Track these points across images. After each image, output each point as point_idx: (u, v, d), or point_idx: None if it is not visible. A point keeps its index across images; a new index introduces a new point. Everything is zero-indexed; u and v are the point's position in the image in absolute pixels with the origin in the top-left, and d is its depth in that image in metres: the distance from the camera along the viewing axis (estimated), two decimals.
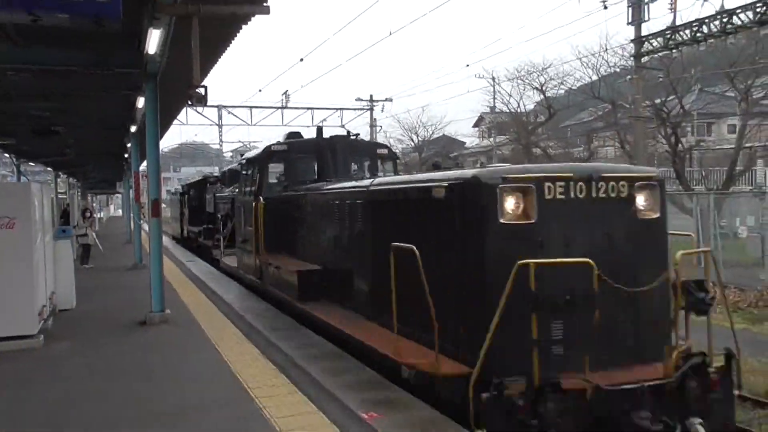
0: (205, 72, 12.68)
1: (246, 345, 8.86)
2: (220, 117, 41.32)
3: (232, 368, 7.64)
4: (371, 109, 42.70)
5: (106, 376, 7.72)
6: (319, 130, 12.61)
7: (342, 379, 6.96)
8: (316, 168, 11.97)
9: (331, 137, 12.33)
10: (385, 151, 12.76)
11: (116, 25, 6.98)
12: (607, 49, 33.24)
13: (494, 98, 42.39)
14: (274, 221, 11.66)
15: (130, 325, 10.56)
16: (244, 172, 13.79)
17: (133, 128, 17.97)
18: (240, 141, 60.64)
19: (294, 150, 12.47)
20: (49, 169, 34.42)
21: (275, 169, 12.68)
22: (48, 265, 10.81)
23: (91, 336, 9.99)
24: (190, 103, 9.54)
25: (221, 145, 49.72)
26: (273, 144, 12.73)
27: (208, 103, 10.36)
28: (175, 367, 8.00)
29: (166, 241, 28.30)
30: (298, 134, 13.77)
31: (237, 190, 15.67)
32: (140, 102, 13.11)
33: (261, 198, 11.95)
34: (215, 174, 27.97)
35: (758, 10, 18.42)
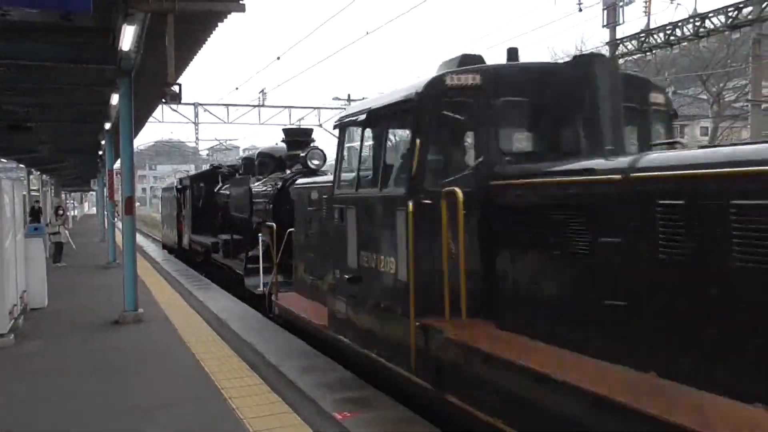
0: (180, 69, 12.60)
1: (220, 344, 8.82)
2: (196, 115, 41.05)
3: (205, 367, 7.60)
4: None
5: (77, 375, 7.64)
6: (513, 52, 6.62)
7: (316, 378, 6.96)
8: (554, 127, 5.77)
9: (586, 58, 5.71)
10: (661, 98, 6.34)
11: (86, 19, 6.90)
12: (582, 51, 33.53)
13: None
14: (487, 244, 5.58)
15: (103, 324, 10.46)
16: (350, 145, 7.68)
17: (107, 125, 17.79)
18: (216, 139, 60.38)
19: (499, 87, 5.88)
20: (21, 166, 33.90)
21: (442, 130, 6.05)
22: (19, 264, 10.67)
23: (62, 335, 9.88)
24: (164, 100, 9.47)
25: (197, 143, 49.28)
26: (445, 74, 5.89)
27: (184, 101, 10.30)
28: (147, 366, 7.94)
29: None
30: (478, 58, 6.46)
31: (294, 181, 11.32)
32: (114, 99, 12.96)
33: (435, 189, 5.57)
34: (229, 164, 20.91)
35: (730, 14, 18.71)
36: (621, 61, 25.25)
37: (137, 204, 15.32)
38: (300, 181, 10.74)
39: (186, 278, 16.28)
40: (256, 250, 11.52)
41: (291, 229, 10.02)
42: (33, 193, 33.95)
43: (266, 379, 7.05)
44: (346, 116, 7.48)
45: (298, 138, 13.84)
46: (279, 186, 12.33)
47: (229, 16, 9.82)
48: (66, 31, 9.64)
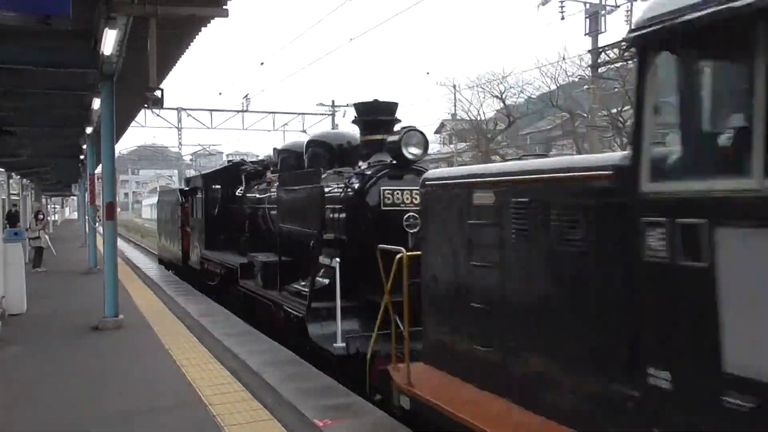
0: (163, 74, 12.56)
1: (200, 350, 8.76)
2: (179, 119, 40.86)
3: (186, 374, 7.54)
4: (333, 114, 42.61)
5: (57, 381, 7.56)
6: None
7: (297, 385, 6.93)
8: None
9: None
10: None
11: (66, 23, 6.86)
12: (565, 59, 33.83)
13: (455, 105, 42.77)
14: None
15: (83, 330, 10.35)
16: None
17: (89, 129, 17.65)
18: (200, 144, 60.06)
19: None
20: (1, 169, 33.55)
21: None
22: None
23: (41, 341, 9.78)
24: (147, 105, 9.43)
25: (180, 148, 49.08)
26: None
27: (168, 105, 10.24)
28: (127, 372, 7.87)
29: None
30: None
31: (377, 178, 8.54)
32: (96, 103, 12.88)
33: None
34: (249, 159, 17.22)
35: None
36: (603, 69, 25.50)
37: (118, 209, 15.12)
38: (438, 173, 6.28)
39: (167, 284, 16.18)
40: (322, 278, 8.34)
41: (412, 253, 5.91)
42: (13, 197, 33.61)
43: (248, 385, 7.01)
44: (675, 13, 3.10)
45: (380, 116, 9.29)
46: (356, 186, 8.66)
47: (212, 21, 9.83)
48: (47, 34, 9.57)
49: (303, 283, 9.11)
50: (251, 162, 15.83)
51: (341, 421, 5.73)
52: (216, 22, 9.94)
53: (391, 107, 9.43)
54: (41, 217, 22.11)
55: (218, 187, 15.19)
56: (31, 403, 6.77)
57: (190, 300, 13.31)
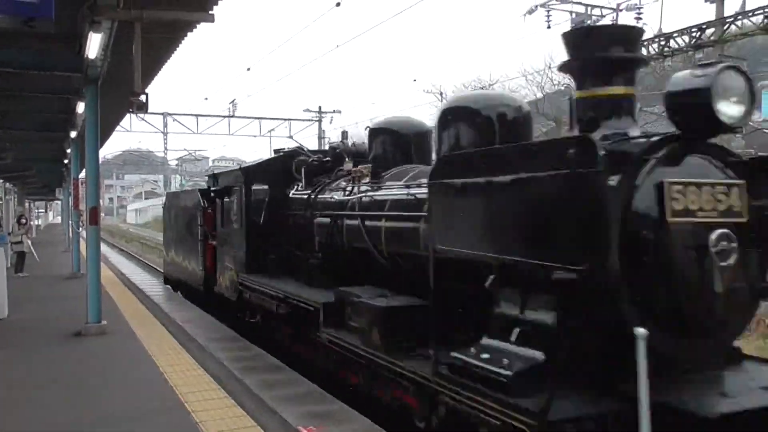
0: (148, 78, 12.53)
1: (184, 356, 8.70)
2: (165, 124, 40.68)
3: (169, 380, 7.48)
4: (320, 121, 42.60)
5: (36, 387, 7.47)
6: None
7: (281, 391, 6.90)
8: None
9: None
10: None
11: (50, 26, 6.82)
12: (551, 68, 34.04)
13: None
14: None
15: (65, 336, 10.25)
16: None
17: (73, 134, 17.56)
18: (185, 149, 59.86)
19: None
20: None
21: None
22: None
23: (22, 346, 9.67)
24: (131, 110, 9.39)
25: (166, 153, 48.84)
26: None
27: (153, 110, 10.18)
28: (109, 379, 7.80)
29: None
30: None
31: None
32: (80, 107, 12.81)
33: None
34: (305, 148, 12.03)
35: (693, 34, 19.15)
36: None
37: (103, 215, 14.87)
38: None
39: (151, 288, 16.07)
40: (518, 344, 4.57)
41: None
42: None
43: (231, 392, 6.97)
44: None
45: (617, 52, 4.98)
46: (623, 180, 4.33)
47: (198, 26, 9.83)
48: (32, 37, 9.52)
49: (480, 353, 4.69)
50: (313, 151, 11.54)
51: (325, 428, 5.71)
52: (202, 27, 9.95)
53: (632, 34, 5.21)
54: (24, 221, 21.91)
55: (265, 187, 10.88)
56: (15, 409, 6.68)
57: (175, 306, 13.23)
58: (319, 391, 6.88)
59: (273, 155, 12.11)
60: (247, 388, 7.05)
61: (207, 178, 15.27)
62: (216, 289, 12.19)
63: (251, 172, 11.06)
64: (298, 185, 10.46)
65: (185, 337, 9.98)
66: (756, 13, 17.69)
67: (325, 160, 10.48)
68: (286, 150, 11.77)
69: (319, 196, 9.47)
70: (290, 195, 10.54)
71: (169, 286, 16.89)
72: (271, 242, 10.53)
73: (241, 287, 10.57)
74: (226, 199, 11.76)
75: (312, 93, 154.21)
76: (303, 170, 10.39)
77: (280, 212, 10.53)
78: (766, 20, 17.24)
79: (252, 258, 10.55)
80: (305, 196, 9.85)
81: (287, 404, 6.42)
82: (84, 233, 16.81)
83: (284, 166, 10.84)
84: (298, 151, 11.29)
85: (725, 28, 18.44)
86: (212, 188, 12.73)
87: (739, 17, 18.23)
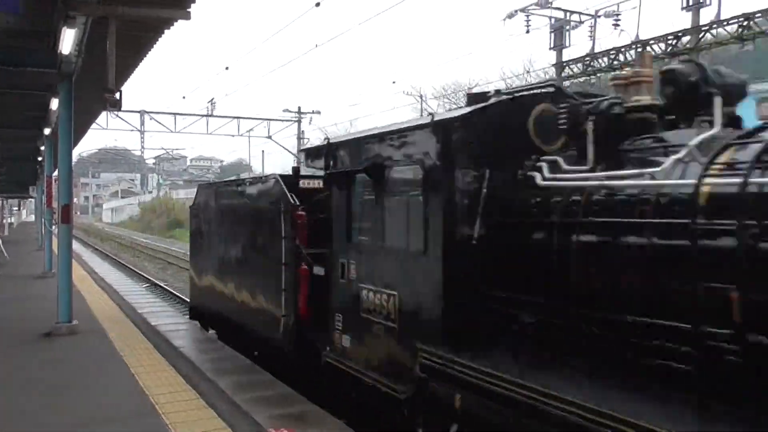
0: (125, 76, 12.39)
1: (155, 356, 8.60)
2: (142, 123, 40.22)
3: (140, 381, 7.39)
4: (299, 121, 42.45)
5: (8, 389, 7.32)
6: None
7: (253, 393, 6.84)
8: None
9: None
10: None
11: (21, 21, 6.70)
12: (530, 72, 34.24)
13: (421, 115, 43.01)
14: None
15: (35, 336, 10.08)
16: None
17: (47, 131, 17.28)
18: (163, 148, 59.38)
19: None
20: None
21: None
22: None
23: None
24: (106, 107, 9.27)
25: (143, 152, 48.40)
26: None
27: (130, 108, 10.02)
28: (79, 380, 7.68)
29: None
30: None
31: None
32: (54, 104, 12.61)
33: None
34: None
35: (669, 41, 19.37)
36: (567, 83, 25.83)
37: (77, 213, 14.65)
38: None
39: (123, 287, 15.88)
40: None
41: None
42: None
43: (202, 393, 6.90)
44: None
45: None
46: None
47: (175, 23, 9.72)
48: (4, 33, 9.35)
49: None
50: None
51: (296, 430, 5.67)
52: (180, 25, 9.85)
53: None
54: None
55: (484, 172, 5.27)
56: None
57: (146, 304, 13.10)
58: (292, 394, 6.84)
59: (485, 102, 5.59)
60: (220, 390, 6.99)
61: (300, 155, 10.70)
62: (326, 354, 6.78)
63: (459, 133, 5.30)
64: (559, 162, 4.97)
65: (157, 337, 9.88)
66: (731, 22, 17.91)
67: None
68: (529, 87, 5.99)
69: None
70: (542, 181, 4.91)
71: (197, 323, 11.41)
72: (503, 283, 4.99)
73: (429, 377, 5.19)
74: (367, 190, 6.36)
75: (291, 93, 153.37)
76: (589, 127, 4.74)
77: (522, 219, 5.00)
78: (740, 29, 17.47)
79: (457, 315, 5.12)
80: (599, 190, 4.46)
81: (260, 406, 6.41)
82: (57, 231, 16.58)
83: (538, 121, 5.32)
84: (559, 90, 5.70)
85: (700, 36, 18.66)
86: (331, 170, 7.01)
87: (714, 26, 18.47)
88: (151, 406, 6.48)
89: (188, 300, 12.10)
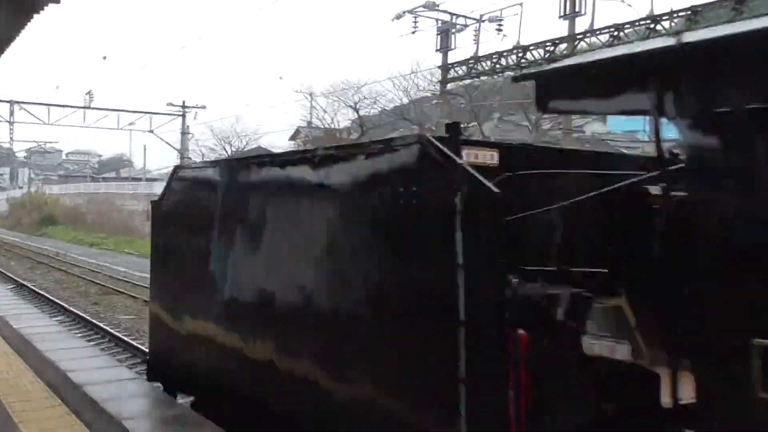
0: None
1: (14, 359, 8.05)
2: (11, 113, 37.86)
3: None
4: (183, 116, 41.20)
5: None
6: None
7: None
8: None
9: None
10: None
11: None
12: (416, 73, 34.78)
13: (311, 113, 42.83)
14: None
15: None
16: None
17: None
18: (35, 141, 56.12)
19: None
20: None
21: None
22: None
23: None
24: None
25: (12, 144, 45.45)
26: None
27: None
28: None
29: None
30: None
31: None
32: None
33: None
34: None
35: (548, 48, 20.31)
36: (452, 85, 26.46)
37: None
38: None
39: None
40: None
41: None
42: None
43: (67, 400, 6.50)
44: None
45: None
46: None
47: (45, 8, 9.14)
48: None
49: None
50: None
51: None
52: (52, 10, 9.25)
53: None
54: None
55: None
56: None
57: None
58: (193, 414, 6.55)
59: None
60: (88, 398, 6.61)
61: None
62: None
63: None
64: None
65: (19, 339, 9.23)
66: (603, 31, 19.02)
67: None
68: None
69: None
70: None
71: (158, 385, 7.17)
72: None
73: None
74: None
75: (175, 86, 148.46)
76: None
77: None
78: (611, 39, 18.56)
79: None
80: None
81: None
82: None
83: None
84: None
85: (576, 43, 19.69)
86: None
87: (588, 34, 19.54)
88: (7, 415, 6.04)
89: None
